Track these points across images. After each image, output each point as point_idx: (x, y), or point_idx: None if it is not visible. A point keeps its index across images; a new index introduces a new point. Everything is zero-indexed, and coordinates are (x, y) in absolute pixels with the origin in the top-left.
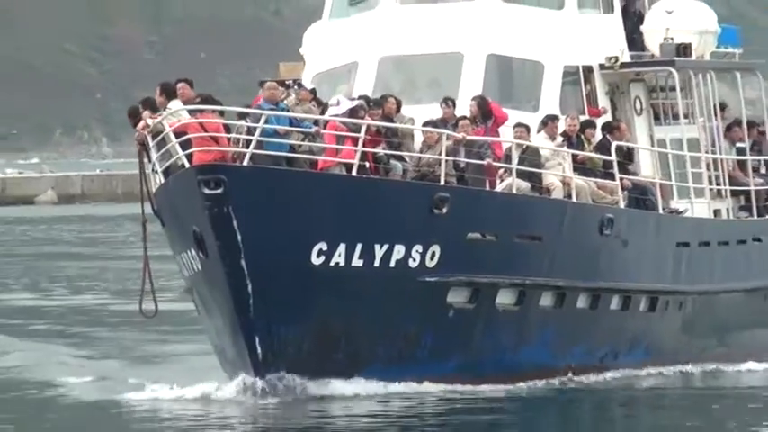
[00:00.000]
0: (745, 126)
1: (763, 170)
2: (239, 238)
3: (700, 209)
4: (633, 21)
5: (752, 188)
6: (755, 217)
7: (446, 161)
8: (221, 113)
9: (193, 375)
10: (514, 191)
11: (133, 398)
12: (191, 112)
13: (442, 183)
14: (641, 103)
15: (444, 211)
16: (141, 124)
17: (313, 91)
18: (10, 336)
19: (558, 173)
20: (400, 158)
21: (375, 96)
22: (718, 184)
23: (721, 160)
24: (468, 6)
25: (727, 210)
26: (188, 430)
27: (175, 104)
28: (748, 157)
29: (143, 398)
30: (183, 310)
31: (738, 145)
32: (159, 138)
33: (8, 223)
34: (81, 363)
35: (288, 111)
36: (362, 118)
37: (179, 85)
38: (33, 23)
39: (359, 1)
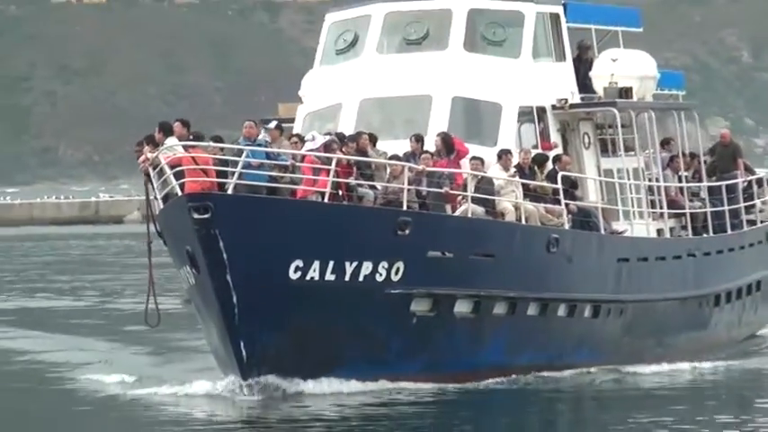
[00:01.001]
0: (680, 157)
1: (703, 195)
2: (225, 256)
3: (642, 229)
4: (586, 67)
5: (687, 211)
6: (691, 236)
7: (408, 189)
8: (220, 148)
9: (194, 374)
10: (470, 215)
11: (138, 393)
12: (184, 146)
13: (405, 208)
14: (589, 138)
15: (407, 232)
16: (142, 158)
17: (279, 127)
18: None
19: (511, 199)
20: (373, 187)
21: (358, 131)
22: (660, 208)
23: (658, 187)
24: (436, 55)
25: (670, 229)
26: (182, 423)
27: (171, 141)
28: (684, 184)
29: (146, 393)
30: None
31: (680, 173)
32: (158, 169)
33: (102, 239)
34: (113, 358)
35: (265, 146)
36: (335, 152)
37: (175, 124)
38: (122, 72)
39: (345, 51)
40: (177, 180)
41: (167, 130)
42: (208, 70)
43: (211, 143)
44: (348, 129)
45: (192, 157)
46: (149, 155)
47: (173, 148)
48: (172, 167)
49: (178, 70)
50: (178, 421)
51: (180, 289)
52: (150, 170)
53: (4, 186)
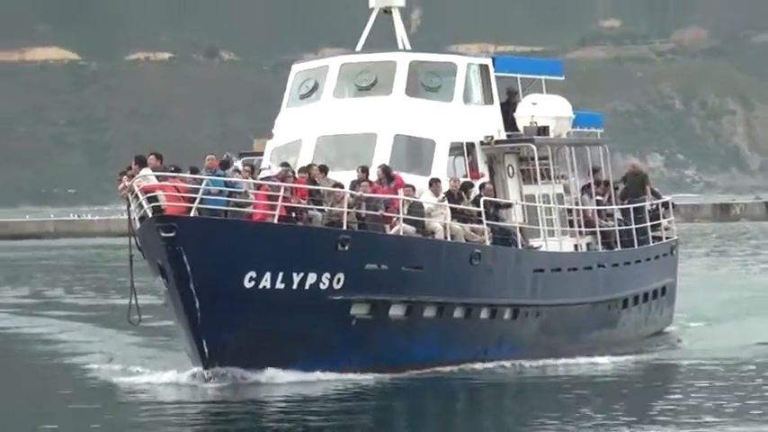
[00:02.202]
0: (593, 184)
1: (618, 215)
2: (188, 268)
3: (557, 244)
4: (513, 109)
5: (597, 229)
6: (602, 250)
7: (348, 212)
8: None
9: (168, 364)
10: (401, 233)
11: (122, 380)
12: (156, 176)
13: (345, 227)
14: (513, 168)
15: (347, 248)
16: (120, 186)
17: (224, 162)
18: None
19: (440, 220)
20: (321, 210)
21: (316, 163)
22: (579, 226)
23: (576, 209)
24: (382, 100)
25: (587, 245)
26: (152, 405)
27: (144, 171)
28: (596, 207)
29: (128, 381)
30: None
31: (597, 198)
32: (133, 194)
33: None
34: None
35: (224, 177)
36: (289, 181)
37: (150, 157)
38: (180, 116)
39: (307, 95)
40: (149, 204)
41: (142, 162)
42: (246, 114)
43: (176, 174)
44: (306, 161)
45: (174, 186)
46: (126, 183)
47: (146, 177)
48: (145, 193)
49: (223, 114)
50: (149, 403)
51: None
52: (129, 195)
53: (88, 206)
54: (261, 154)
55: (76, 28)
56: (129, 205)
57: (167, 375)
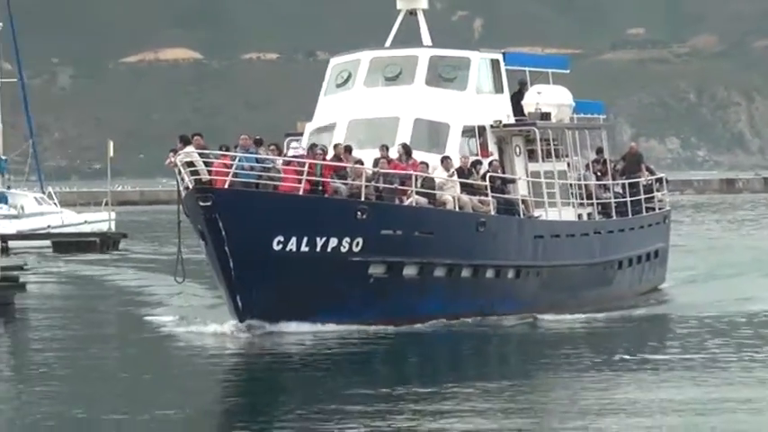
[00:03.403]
0: (594, 163)
1: (618, 189)
2: (223, 233)
3: (556, 214)
4: (522, 98)
5: (594, 201)
6: (597, 219)
7: (366, 186)
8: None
9: (211, 317)
10: (414, 204)
11: (176, 330)
12: (199, 153)
13: (363, 199)
14: (520, 148)
15: (365, 216)
16: (167, 161)
17: (257, 141)
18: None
19: (451, 193)
20: (345, 183)
21: (346, 143)
22: (580, 198)
23: (577, 184)
24: (405, 89)
25: (588, 214)
26: (196, 350)
27: (189, 149)
28: (595, 182)
29: (181, 331)
30: None
31: (597, 173)
32: (178, 168)
33: None
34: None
35: (256, 154)
36: (317, 157)
37: (195, 137)
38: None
39: (341, 85)
40: (190, 177)
41: (186, 141)
42: None
43: (215, 151)
44: (339, 140)
45: (224, 163)
46: (173, 159)
47: (189, 153)
48: (188, 166)
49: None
50: (192, 347)
51: None
52: (176, 169)
53: None
54: (302, 134)
55: (200, 32)
56: (177, 178)
57: (213, 327)
